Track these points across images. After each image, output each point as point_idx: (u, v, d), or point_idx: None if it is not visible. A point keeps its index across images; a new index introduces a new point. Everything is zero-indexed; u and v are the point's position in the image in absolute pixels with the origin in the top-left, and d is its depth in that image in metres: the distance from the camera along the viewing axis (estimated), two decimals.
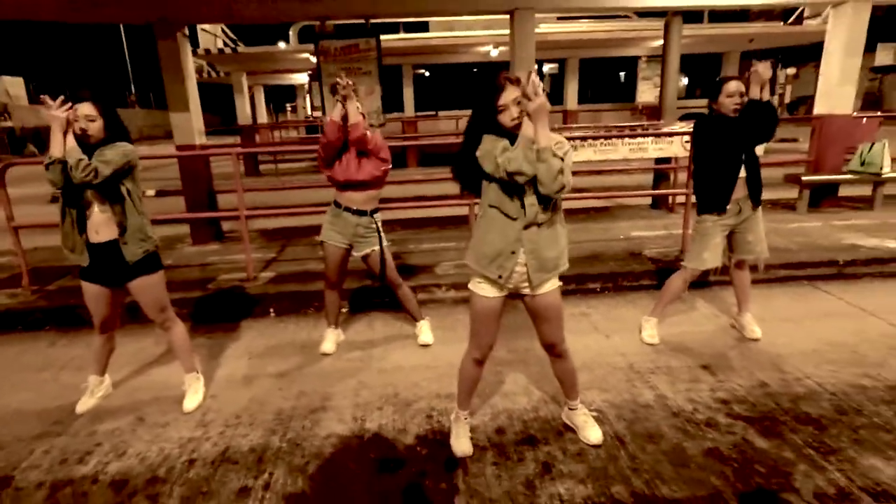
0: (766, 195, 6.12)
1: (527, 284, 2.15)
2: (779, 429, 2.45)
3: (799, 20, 11.92)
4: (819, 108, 6.21)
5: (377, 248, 3.19)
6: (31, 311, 4.07)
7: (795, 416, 2.54)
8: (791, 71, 26.38)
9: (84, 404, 2.84)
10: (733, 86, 2.95)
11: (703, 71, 13.88)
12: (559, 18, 11.94)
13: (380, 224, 3.21)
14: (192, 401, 2.83)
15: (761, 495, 2.06)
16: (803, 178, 5.99)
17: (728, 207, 3.08)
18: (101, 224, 2.52)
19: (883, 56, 26.99)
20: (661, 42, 6.72)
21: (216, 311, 4.08)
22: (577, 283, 4.26)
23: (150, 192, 3.21)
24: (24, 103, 25.75)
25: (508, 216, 2.04)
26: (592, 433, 2.39)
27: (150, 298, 2.68)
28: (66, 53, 36.06)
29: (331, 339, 3.43)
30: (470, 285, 2.22)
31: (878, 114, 10.29)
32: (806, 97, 23.39)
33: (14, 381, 3.21)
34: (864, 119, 9.41)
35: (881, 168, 5.90)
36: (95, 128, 2.44)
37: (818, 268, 4.36)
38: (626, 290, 4.25)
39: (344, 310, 4.07)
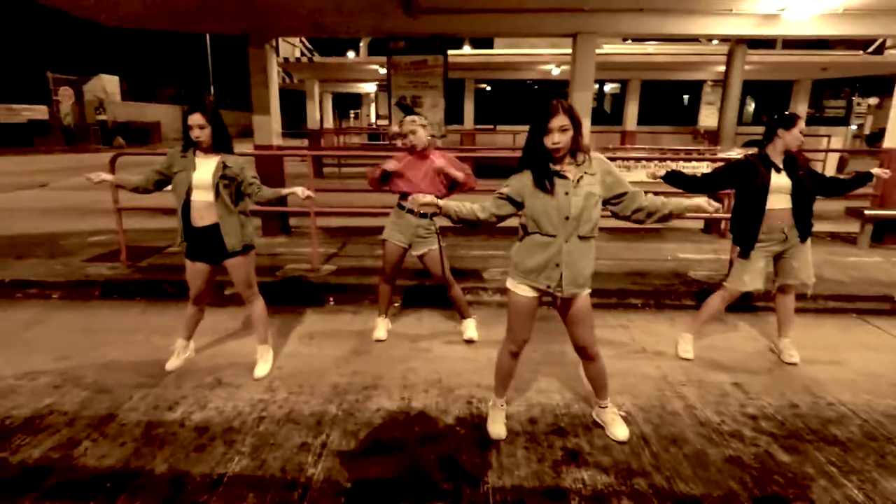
0: (826, 227, 6.08)
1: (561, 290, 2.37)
2: (803, 446, 2.55)
3: (880, 49, 11.43)
4: (889, 142, 6.06)
5: (434, 247, 3.51)
6: (127, 283, 4.65)
7: (822, 437, 2.63)
8: (873, 101, 24.99)
9: (172, 363, 3.29)
10: (803, 124, 3.11)
11: (772, 97, 13.52)
12: (624, 39, 12.01)
13: (438, 227, 3.52)
14: (262, 368, 3.22)
15: (776, 501, 2.19)
16: (866, 211, 5.86)
17: (774, 236, 3.20)
18: (203, 211, 2.95)
19: None
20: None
21: (283, 296, 4.51)
22: (619, 298, 4.41)
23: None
24: (118, 99, 28.20)
25: (548, 234, 2.28)
26: (619, 430, 2.58)
27: (241, 274, 3.12)
28: (155, 56, 39.30)
29: (382, 327, 3.76)
30: (508, 284, 2.46)
31: None
32: None
33: (112, 340, 3.72)
34: None
35: None
36: (206, 135, 2.88)
37: (870, 302, 4.31)
38: (668, 308, 4.36)
39: (396, 304, 4.41)
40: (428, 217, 3.43)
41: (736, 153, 6.12)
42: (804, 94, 12.89)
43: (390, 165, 3.40)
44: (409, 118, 3.39)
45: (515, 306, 2.45)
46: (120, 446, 2.53)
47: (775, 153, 3.20)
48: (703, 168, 5.90)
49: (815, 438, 2.62)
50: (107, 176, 3.03)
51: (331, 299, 4.51)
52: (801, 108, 12.92)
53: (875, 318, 4.19)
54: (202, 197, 2.91)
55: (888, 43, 11.39)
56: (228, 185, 2.94)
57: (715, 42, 11.76)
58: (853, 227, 6.16)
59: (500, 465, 2.41)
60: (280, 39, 12.28)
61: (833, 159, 12.25)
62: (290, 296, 4.52)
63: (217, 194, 2.90)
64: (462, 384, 3.12)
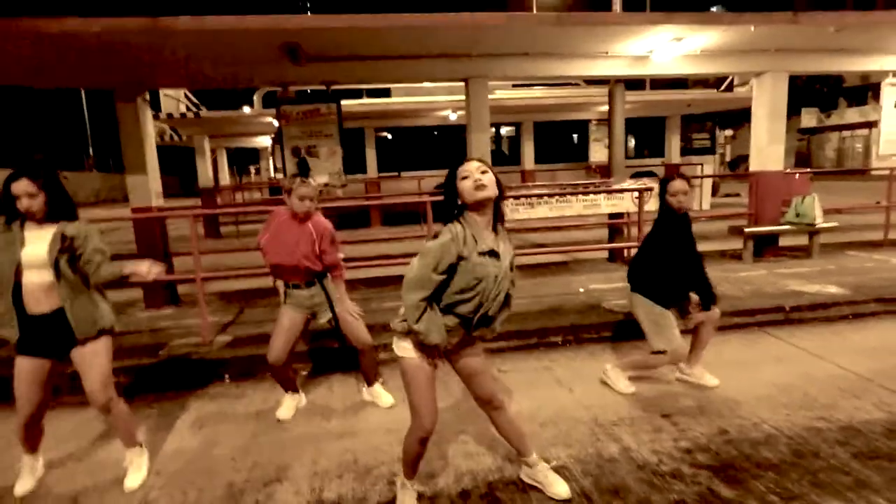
0: (714, 246, 6.39)
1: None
2: (742, 476, 2.46)
3: (730, 88, 13.03)
4: (753, 166, 6.70)
5: (337, 310, 3.16)
6: None
7: (756, 462, 2.56)
8: (728, 132, 28.56)
9: (23, 485, 2.59)
10: (677, 185, 3.15)
11: (650, 132, 14.83)
12: (514, 86, 12.66)
13: (329, 287, 3.16)
14: (134, 478, 2.62)
15: None
16: (746, 229, 6.35)
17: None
18: (39, 294, 2.38)
19: (807, 119, 29.74)
20: (607, 107, 7.19)
21: (167, 379, 3.87)
22: (539, 337, 4.28)
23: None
24: None
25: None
26: (560, 488, 2.35)
27: (95, 368, 2.49)
28: (23, 115, 35.59)
29: (287, 404, 3.29)
30: (398, 352, 2.15)
31: (808, 170, 11.21)
32: (745, 155, 25.25)
33: None
34: (797, 175, 10.20)
35: (814, 219, 6.33)
36: (38, 204, 2.35)
37: (767, 314, 4.54)
38: (587, 343, 4.29)
39: (304, 373, 3.95)
40: (314, 282, 3.10)
41: (628, 184, 6.45)
42: (675, 128, 14.28)
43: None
44: (299, 179, 3.03)
45: (415, 377, 2.14)
46: None
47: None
48: (601, 199, 6.16)
49: (751, 465, 2.55)
50: None
51: (226, 376, 3.94)
52: (675, 140, 14.27)
53: (773, 329, 4.40)
54: (37, 278, 2.35)
55: (736, 81, 13.05)
56: (72, 260, 2.41)
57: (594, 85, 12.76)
58: (737, 244, 6.65)
59: None
60: (162, 94, 11.52)
61: (707, 183, 13.58)
62: (176, 378, 3.89)
63: (58, 273, 2.36)
64: (381, 461, 2.73)
